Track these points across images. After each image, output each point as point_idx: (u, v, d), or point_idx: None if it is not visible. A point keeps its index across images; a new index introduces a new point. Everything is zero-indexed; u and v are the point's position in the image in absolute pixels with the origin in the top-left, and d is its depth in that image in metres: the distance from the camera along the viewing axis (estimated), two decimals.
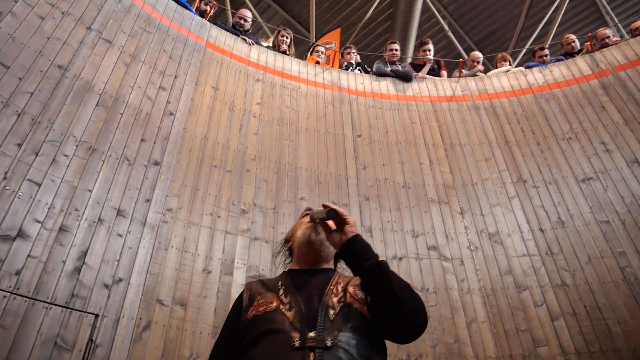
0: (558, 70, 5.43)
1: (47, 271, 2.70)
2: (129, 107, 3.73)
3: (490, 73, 5.88)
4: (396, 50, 6.13)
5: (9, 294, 2.49)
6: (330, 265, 1.61)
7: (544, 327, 3.70)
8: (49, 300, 2.63)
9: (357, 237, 1.40)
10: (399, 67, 5.83)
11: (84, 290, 2.80)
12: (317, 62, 5.79)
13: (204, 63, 4.65)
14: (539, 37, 11.26)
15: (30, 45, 3.31)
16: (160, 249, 3.31)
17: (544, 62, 5.89)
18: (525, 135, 4.96)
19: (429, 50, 6.17)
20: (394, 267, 3.96)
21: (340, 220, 1.43)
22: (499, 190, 4.59)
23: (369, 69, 6.09)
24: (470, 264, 4.12)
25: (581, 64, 5.37)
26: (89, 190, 3.14)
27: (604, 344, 3.52)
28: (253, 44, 5.30)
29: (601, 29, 5.86)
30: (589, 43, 5.74)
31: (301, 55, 7.59)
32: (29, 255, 2.66)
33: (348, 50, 6.32)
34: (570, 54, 5.91)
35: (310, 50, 6.37)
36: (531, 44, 10.81)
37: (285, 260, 1.77)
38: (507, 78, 5.60)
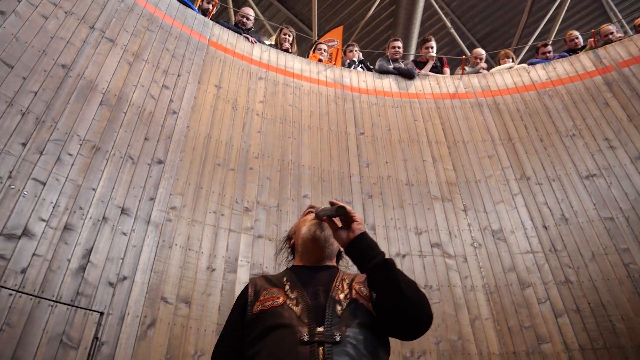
0: (561, 67, 5.41)
1: (52, 269, 2.71)
2: (132, 106, 3.74)
3: (493, 70, 5.87)
4: (399, 47, 6.12)
5: (14, 292, 2.51)
6: (333, 263, 1.62)
7: (547, 324, 3.70)
8: (54, 299, 2.65)
9: (364, 235, 1.41)
10: (402, 65, 5.82)
11: (89, 289, 2.82)
12: (320, 60, 5.79)
13: (206, 61, 4.65)
14: (542, 33, 11.21)
15: (34, 44, 3.32)
16: (164, 247, 3.32)
17: (547, 59, 5.87)
18: (528, 132, 4.95)
19: (432, 48, 6.16)
20: (397, 264, 3.96)
21: (348, 218, 1.44)
22: (502, 187, 4.58)
23: (371, 67, 6.09)
24: (473, 261, 4.12)
25: (584, 60, 5.35)
26: (93, 189, 3.16)
27: (608, 340, 3.52)
28: (255, 42, 5.30)
29: (605, 25, 5.84)
30: (592, 39, 5.72)
31: (303, 53, 7.59)
32: (34, 254, 2.68)
33: (350, 47, 6.31)
34: (573, 50, 5.89)
35: (313, 48, 6.37)
36: (534, 41, 10.78)
37: (287, 258, 1.78)
38: (510, 75, 5.59)
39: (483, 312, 3.82)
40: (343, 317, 1.31)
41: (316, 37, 10.49)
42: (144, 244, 3.23)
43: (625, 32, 10.15)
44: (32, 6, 3.44)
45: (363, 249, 1.38)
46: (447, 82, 5.67)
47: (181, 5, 4.86)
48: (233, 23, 5.80)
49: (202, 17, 5.05)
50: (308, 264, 1.57)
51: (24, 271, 2.59)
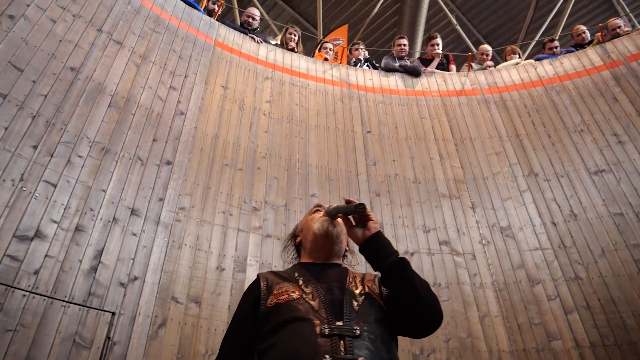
0: (568, 62, 5.38)
1: (64, 270, 2.75)
2: (140, 108, 3.77)
3: (499, 66, 5.85)
4: (404, 45, 6.11)
5: (28, 293, 2.54)
6: (341, 261, 1.64)
7: (557, 320, 3.69)
8: (66, 299, 2.68)
9: (380, 234, 1.45)
10: (408, 62, 5.81)
11: (100, 289, 2.85)
12: (326, 59, 5.79)
13: (213, 62, 4.68)
14: (549, 28, 11.13)
15: (43, 48, 3.35)
16: (174, 247, 3.35)
17: (554, 54, 5.84)
18: (536, 128, 4.93)
19: (438, 45, 6.15)
20: None
21: (364, 216, 1.46)
22: (510, 184, 4.57)
23: (377, 65, 6.08)
24: (482, 258, 4.12)
25: (592, 55, 5.31)
26: (103, 190, 3.19)
27: (618, 337, 3.50)
28: (261, 42, 5.32)
29: (612, 19, 5.80)
30: (599, 34, 5.68)
31: (309, 52, 7.59)
32: (46, 255, 2.71)
33: (356, 46, 6.31)
34: (580, 45, 5.85)
35: (318, 47, 6.38)
36: (541, 36, 10.70)
37: (292, 255, 1.79)
38: (516, 71, 5.56)
39: (492, 309, 3.82)
40: (360, 312, 1.34)
41: (321, 36, 10.49)
42: (154, 245, 3.26)
43: (633, 26, 10.06)
44: (40, 10, 3.48)
45: (378, 248, 1.42)
46: (454, 79, 5.66)
47: (187, 6, 4.89)
48: (238, 23, 5.82)
49: (208, 18, 5.08)
50: (317, 261, 1.59)
51: (36, 272, 2.63)
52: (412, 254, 4.08)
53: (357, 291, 1.42)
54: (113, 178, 3.29)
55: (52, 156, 3.02)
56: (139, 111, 3.74)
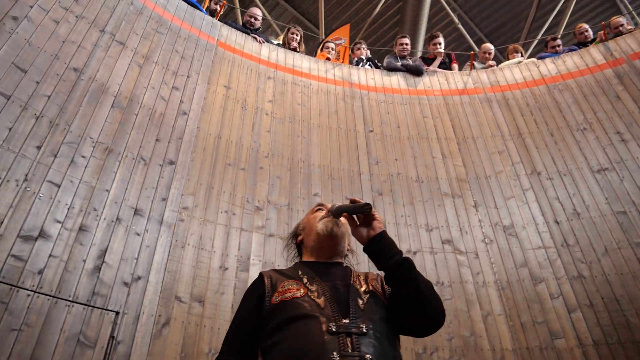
0: (571, 61, 5.37)
1: (68, 270, 2.76)
2: (143, 108, 3.78)
3: (502, 65, 5.84)
4: (406, 44, 6.11)
5: (32, 292, 2.56)
6: (342, 260, 1.65)
7: (560, 319, 3.68)
8: (70, 299, 2.69)
9: (385, 233, 1.46)
10: (410, 62, 5.81)
11: (104, 288, 2.86)
12: (328, 59, 5.80)
13: (215, 62, 4.69)
14: (551, 27, 11.11)
15: (47, 49, 3.37)
16: (177, 246, 3.36)
17: (556, 53, 5.82)
18: (538, 126, 4.92)
19: (440, 44, 6.14)
20: None
21: (369, 216, 1.48)
22: (513, 183, 4.57)
23: (379, 64, 6.09)
24: (485, 257, 4.11)
25: (595, 53, 5.30)
26: (107, 190, 3.20)
27: (622, 335, 3.49)
28: (263, 42, 5.33)
29: (615, 17, 5.78)
30: (602, 32, 5.67)
31: (311, 52, 7.60)
32: (50, 255, 2.73)
33: (358, 45, 6.32)
34: (583, 43, 5.84)
35: (320, 46, 6.38)
36: (543, 35, 10.69)
37: (293, 254, 1.80)
38: (519, 69, 5.56)
39: (495, 308, 3.82)
40: (365, 310, 1.35)
41: (323, 36, 10.49)
42: (157, 244, 3.27)
43: (636, 24, 10.03)
44: (43, 11, 3.49)
45: (383, 247, 1.43)
46: (456, 78, 5.65)
47: (189, 7, 4.90)
48: (241, 23, 5.83)
49: (210, 18, 5.09)
50: (320, 260, 1.60)
51: (41, 272, 2.64)
52: (415, 253, 4.08)
53: (362, 289, 1.44)
54: (116, 178, 3.30)
55: (55, 156, 3.04)
56: (141, 111, 3.75)
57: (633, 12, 10.77)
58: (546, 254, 4.04)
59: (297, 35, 5.76)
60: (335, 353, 1.19)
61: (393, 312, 1.41)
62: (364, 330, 1.26)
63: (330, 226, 1.58)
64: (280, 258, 3.71)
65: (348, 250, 1.70)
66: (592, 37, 5.95)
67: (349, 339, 1.23)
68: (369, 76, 5.57)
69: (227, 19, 9.23)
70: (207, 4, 5.64)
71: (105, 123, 3.46)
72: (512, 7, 11.67)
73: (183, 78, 4.27)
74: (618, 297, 3.66)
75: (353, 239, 1.62)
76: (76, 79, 3.45)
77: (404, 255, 1.41)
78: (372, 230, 1.46)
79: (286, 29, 5.91)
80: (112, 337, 2.76)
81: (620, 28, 5.54)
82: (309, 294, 1.38)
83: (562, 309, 3.73)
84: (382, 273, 1.49)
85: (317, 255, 1.61)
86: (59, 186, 2.96)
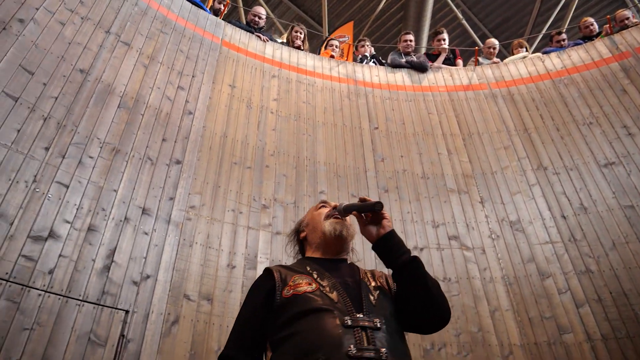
0: (576, 55, 5.34)
1: (78, 270, 2.79)
2: (149, 108, 3.80)
3: (507, 60, 5.82)
4: (410, 40, 6.10)
5: (43, 292, 2.59)
6: (347, 257, 1.67)
7: (568, 314, 3.68)
8: (81, 298, 2.72)
9: (393, 232, 1.49)
10: (414, 58, 5.81)
11: (113, 288, 2.89)
12: (332, 56, 5.80)
13: (220, 61, 4.70)
14: (556, 21, 11.05)
15: (53, 51, 3.39)
16: (185, 245, 3.38)
17: (561, 47, 5.79)
18: (544, 121, 4.90)
19: (444, 40, 6.13)
20: None
21: (379, 215, 1.50)
22: (519, 178, 4.56)
23: (383, 61, 6.08)
24: (492, 252, 4.11)
25: (600, 47, 5.27)
26: (115, 190, 3.23)
27: (630, 329, 3.48)
28: (268, 41, 5.34)
29: (620, 10, 5.74)
30: (607, 25, 5.63)
31: (314, 49, 7.60)
32: (60, 255, 2.75)
33: (362, 42, 6.31)
34: (588, 37, 5.81)
35: (324, 44, 6.38)
36: (548, 29, 10.63)
37: (296, 250, 1.80)
38: (524, 64, 5.54)
39: (503, 303, 3.82)
40: (377, 305, 1.38)
41: (326, 34, 10.49)
42: (165, 243, 3.29)
43: None
44: (49, 13, 3.52)
45: (392, 246, 1.46)
46: (461, 74, 5.64)
47: (193, 6, 4.91)
48: (244, 22, 5.84)
49: (214, 17, 5.10)
50: (326, 257, 1.61)
51: (51, 272, 2.67)
52: (421, 249, 4.09)
53: (372, 285, 1.46)
54: (124, 178, 3.33)
55: (63, 157, 3.06)
56: (147, 111, 3.77)
57: (639, 4, 10.68)
58: (553, 249, 4.04)
59: (301, 33, 5.77)
60: (352, 346, 1.20)
61: (400, 309, 1.43)
62: (378, 325, 1.28)
63: (340, 228, 1.59)
64: (287, 256, 3.72)
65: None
66: (597, 30, 5.91)
67: (364, 333, 1.25)
68: (374, 73, 5.57)
69: (231, 18, 9.24)
70: (210, 3, 5.65)
71: (112, 124, 3.48)
72: (516, 2, 11.60)
73: (188, 78, 4.29)
74: (626, 291, 3.65)
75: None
76: (82, 80, 3.48)
77: (412, 255, 1.44)
78: (381, 228, 1.48)
79: (290, 27, 5.91)
80: (122, 335, 2.78)
81: (626, 21, 5.51)
82: (321, 288, 1.39)
83: (570, 303, 3.72)
84: (387, 271, 1.51)
85: (323, 251, 1.62)
86: (67, 187, 2.98)
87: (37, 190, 2.83)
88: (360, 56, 6.10)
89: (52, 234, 2.77)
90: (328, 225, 1.61)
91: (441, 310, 1.40)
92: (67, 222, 2.88)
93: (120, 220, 3.15)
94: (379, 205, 1.47)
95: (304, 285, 1.40)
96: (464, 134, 5.01)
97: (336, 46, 6.14)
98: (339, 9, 12.08)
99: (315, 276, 1.45)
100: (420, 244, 4.12)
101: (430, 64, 5.82)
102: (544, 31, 10.72)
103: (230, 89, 4.55)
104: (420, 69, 5.68)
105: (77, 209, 2.96)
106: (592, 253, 3.92)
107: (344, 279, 1.45)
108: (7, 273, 2.49)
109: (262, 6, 8.25)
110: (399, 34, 6.85)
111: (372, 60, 6.02)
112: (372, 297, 1.40)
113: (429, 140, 4.94)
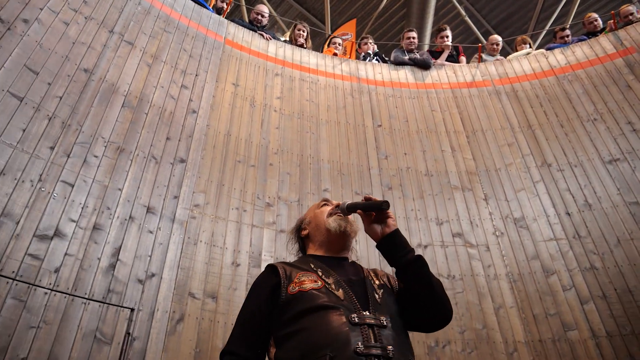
0: (580, 51, 5.32)
1: (83, 268, 2.80)
2: (153, 107, 3.81)
3: (510, 56, 5.80)
4: (413, 38, 6.09)
5: (49, 290, 2.60)
6: (349, 255, 1.67)
7: (573, 311, 3.67)
8: (87, 296, 2.74)
9: (398, 231, 1.50)
10: (417, 55, 5.79)
11: (119, 286, 2.90)
12: (335, 54, 5.80)
13: (223, 60, 4.71)
14: (560, 17, 11.00)
15: (57, 50, 3.41)
16: (190, 243, 3.40)
17: (565, 43, 5.77)
18: (548, 118, 4.89)
19: (447, 37, 6.11)
20: None
21: (384, 213, 1.52)
22: (523, 175, 4.55)
23: (386, 59, 6.07)
24: (496, 249, 4.11)
25: (604, 43, 5.25)
26: (119, 189, 3.24)
27: (636, 326, 3.48)
28: (270, 39, 5.34)
29: (624, 5, 5.71)
30: (612, 21, 5.60)
31: (317, 47, 7.59)
32: (66, 253, 2.77)
33: (365, 40, 6.30)
34: (592, 33, 5.78)
35: (327, 42, 6.38)
36: (551, 25, 10.58)
37: (297, 248, 1.80)
38: (527, 61, 5.52)
39: (507, 300, 3.82)
40: (382, 304, 1.39)
41: (329, 31, 10.48)
42: (170, 242, 3.31)
43: None
44: (53, 13, 3.53)
45: (397, 244, 1.47)
46: (464, 71, 5.63)
47: (196, 5, 4.92)
48: (247, 21, 5.84)
49: (217, 16, 5.10)
50: (329, 255, 1.61)
51: (57, 270, 2.69)
52: (425, 247, 4.09)
53: (376, 284, 1.47)
54: (128, 177, 3.34)
55: (68, 156, 3.08)
56: (151, 110, 3.79)
57: None
58: (558, 246, 4.03)
59: (304, 31, 5.77)
60: (359, 343, 1.21)
61: (403, 308, 1.45)
62: (385, 323, 1.29)
63: (344, 225, 1.60)
64: (291, 254, 3.73)
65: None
66: (601, 26, 5.89)
67: (371, 331, 1.26)
68: (377, 71, 5.57)
69: (234, 16, 9.25)
70: (213, 2, 5.66)
71: (117, 123, 3.50)
72: None
73: (192, 76, 4.29)
74: (631, 287, 3.64)
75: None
76: (87, 80, 3.49)
77: (417, 254, 1.46)
78: (386, 227, 1.50)
79: (293, 26, 5.91)
80: (127, 333, 2.80)
81: (630, 17, 5.48)
82: (327, 286, 1.40)
83: (575, 300, 3.72)
84: (390, 270, 1.52)
85: (326, 249, 1.62)
86: (72, 186, 3.00)
87: (42, 189, 2.84)
88: (363, 54, 6.09)
89: (57, 233, 2.78)
90: (333, 222, 1.61)
91: (444, 309, 1.41)
92: (73, 221, 2.89)
93: (125, 219, 3.16)
94: (385, 205, 1.48)
95: (310, 282, 1.40)
96: (468, 131, 5.01)
97: (339, 44, 6.13)
98: (341, 7, 12.07)
99: (320, 273, 1.45)
100: (424, 241, 4.12)
101: (434, 61, 5.81)
102: (547, 27, 10.68)
103: (233, 87, 4.56)
104: (424, 66, 5.67)
105: (83, 208, 2.98)
106: (596, 250, 3.91)
107: (348, 277, 1.46)
108: (13, 272, 2.51)
109: (264, 4, 8.25)
110: (401, 31, 6.84)
111: (375, 57, 6.01)
112: (377, 295, 1.41)
113: (433, 137, 4.94)
